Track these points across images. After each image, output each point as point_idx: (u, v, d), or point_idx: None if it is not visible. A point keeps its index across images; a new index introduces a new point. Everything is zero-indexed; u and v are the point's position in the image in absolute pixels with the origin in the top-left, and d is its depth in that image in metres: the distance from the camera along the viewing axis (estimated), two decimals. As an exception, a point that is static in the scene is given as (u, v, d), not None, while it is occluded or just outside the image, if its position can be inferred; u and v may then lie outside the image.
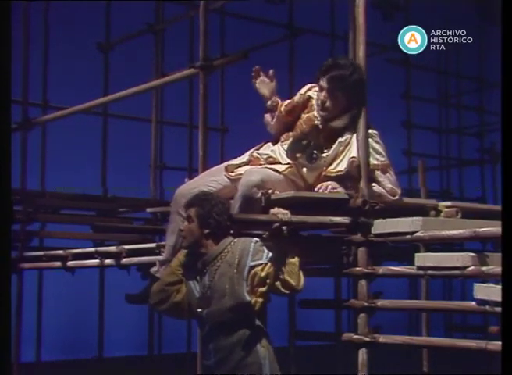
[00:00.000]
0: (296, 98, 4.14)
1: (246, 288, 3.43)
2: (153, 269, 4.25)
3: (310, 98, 4.10)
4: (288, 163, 3.99)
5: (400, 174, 8.65)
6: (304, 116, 4.09)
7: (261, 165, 4.04)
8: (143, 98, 6.54)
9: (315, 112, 4.04)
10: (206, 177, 4.13)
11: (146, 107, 7.52)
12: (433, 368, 5.44)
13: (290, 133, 4.10)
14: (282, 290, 3.46)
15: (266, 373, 3.44)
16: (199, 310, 3.54)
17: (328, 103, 3.94)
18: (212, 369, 3.51)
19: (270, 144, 4.17)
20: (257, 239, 3.56)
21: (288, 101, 4.16)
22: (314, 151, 3.98)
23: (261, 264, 3.45)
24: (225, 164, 4.12)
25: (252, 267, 3.45)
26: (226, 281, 3.47)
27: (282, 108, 4.12)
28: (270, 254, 3.47)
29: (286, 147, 4.05)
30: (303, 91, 4.15)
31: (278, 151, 4.07)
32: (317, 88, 4.06)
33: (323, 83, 3.93)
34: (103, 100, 6.26)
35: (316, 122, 4.02)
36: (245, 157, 4.15)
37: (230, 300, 3.44)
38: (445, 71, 10.16)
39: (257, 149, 4.17)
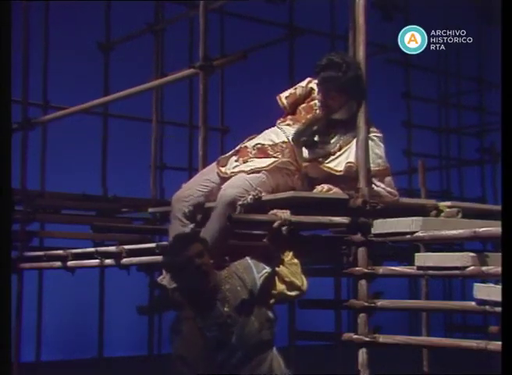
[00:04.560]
0: (298, 90, 4.17)
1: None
2: (159, 279, 4.23)
3: (312, 89, 4.14)
4: (275, 157, 3.95)
5: (400, 174, 8.71)
6: (305, 104, 4.14)
7: (248, 155, 3.99)
8: (143, 98, 6.53)
9: (317, 101, 4.07)
10: (199, 177, 4.15)
11: (146, 107, 7.52)
12: (433, 368, 5.44)
13: (288, 117, 4.13)
14: (289, 293, 3.44)
15: None
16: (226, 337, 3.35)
17: (327, 103, 3.97)
18: None
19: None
20: (248, 257, 3.50)
21: (287, 93, 4.20)
22: (315, 138, 3.98)
23: (267, 272, 3.44)
24: (219, 158, 4.10)
25: (261, 277, 3.41)
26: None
27: (284, 102, 4.18)
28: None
29: (286, 128, 4.05)
30: (304, 83, 4.19)
31: (271, 132, 4.08)
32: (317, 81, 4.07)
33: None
34: (103, 100, 6.26)
35: (317, 110, 4.05)
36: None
37: (257, 318, 3.38)
38: (445, 71, 10.15)
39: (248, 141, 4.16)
